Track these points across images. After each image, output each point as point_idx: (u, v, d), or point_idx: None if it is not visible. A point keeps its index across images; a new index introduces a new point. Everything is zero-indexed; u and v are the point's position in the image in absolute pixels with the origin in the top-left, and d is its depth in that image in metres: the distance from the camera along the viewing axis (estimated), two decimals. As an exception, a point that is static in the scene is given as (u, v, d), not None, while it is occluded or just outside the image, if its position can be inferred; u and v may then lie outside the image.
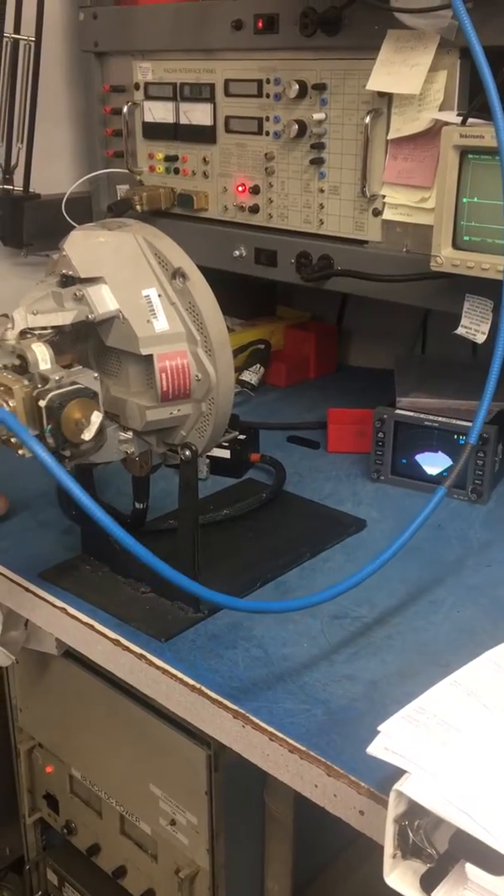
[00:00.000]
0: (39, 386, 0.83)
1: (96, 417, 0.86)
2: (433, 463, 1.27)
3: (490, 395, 0.94)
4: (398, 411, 1.28)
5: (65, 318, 0.87)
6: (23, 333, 0.85)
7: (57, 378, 0.83)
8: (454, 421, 1.24)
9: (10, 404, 0.82)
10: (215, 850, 1.19)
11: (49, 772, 1.47)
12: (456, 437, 1.24)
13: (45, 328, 0.86)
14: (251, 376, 1.62)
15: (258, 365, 1.64)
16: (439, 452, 1.26)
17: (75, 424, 0.84)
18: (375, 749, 0.69)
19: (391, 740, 0.69)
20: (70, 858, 1.49)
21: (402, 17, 1.07)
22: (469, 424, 1.20)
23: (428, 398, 1.30)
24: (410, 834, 0.66)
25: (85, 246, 0.91)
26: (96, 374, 0.87)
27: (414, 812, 0.67)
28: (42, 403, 0.82)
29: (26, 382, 0.83)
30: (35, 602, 1.05)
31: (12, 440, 0.81)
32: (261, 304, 1.85)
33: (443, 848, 0.66)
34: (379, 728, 0.71)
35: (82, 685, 1.30)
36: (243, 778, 1.16)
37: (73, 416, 0.84)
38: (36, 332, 0.86)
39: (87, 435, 0.85)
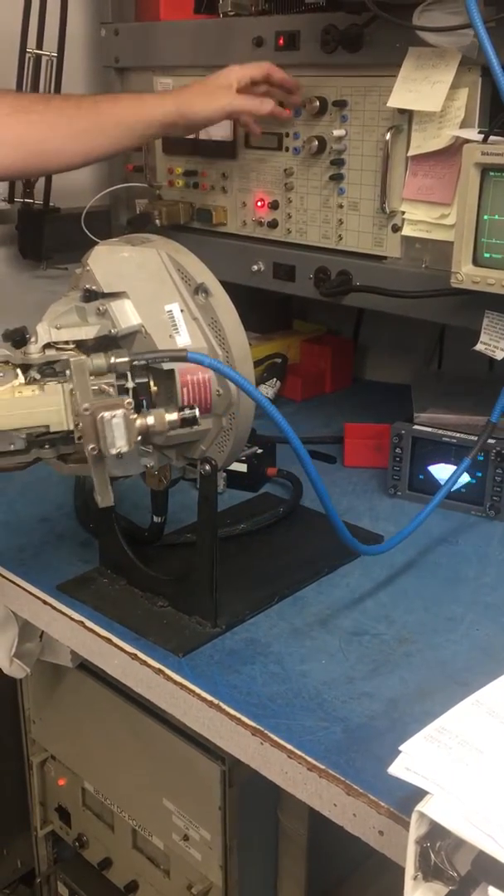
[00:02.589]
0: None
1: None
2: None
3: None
4: (416, 426, 1.28)
5: (88, 332, 0.87)
6: (46, 347, 0.86)
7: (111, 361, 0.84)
8: (472, 437, 1.24)
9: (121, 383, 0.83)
10: (228, 866, 1.19)
11: (61, 784, 1.47)
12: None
13: (67, 342, 0.87)
14: (267, 390, 1.62)
15: (275, 379, 1.64)
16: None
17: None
18: (397, 769, 0.68)
19: (413, 760, 0.69)
20: (81, 872, 1.49)
21: (424, 35, 1.08)
22: (488, 441, 1.21)
23: (446, 414, 1.30)
24: (432, 855, 0.66)
25: (108, 261, 0.92)
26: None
27: (435, 833, 0.66)
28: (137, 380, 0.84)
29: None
30: (52, 615, 1.05)
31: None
32: (277, 318, 1.85)
33: (464, 870, 0.65)
34: (400, 748, 0.70)
35: (96, 698, 1.30)
36: (257, 794, 1.16)
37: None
38: (59, 346, 0.86)
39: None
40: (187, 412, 0.83)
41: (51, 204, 1.58)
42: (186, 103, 1.23)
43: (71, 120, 1.17)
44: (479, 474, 1.23)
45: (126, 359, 0.83)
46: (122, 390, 0.85)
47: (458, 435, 1.25)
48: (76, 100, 1.22)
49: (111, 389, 0.83)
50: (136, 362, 0.83)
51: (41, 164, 1.21)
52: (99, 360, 0.83)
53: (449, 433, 1.25)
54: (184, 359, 0.84)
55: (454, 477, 1.11)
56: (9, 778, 1.56)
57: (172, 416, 0.83)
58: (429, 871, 0.66)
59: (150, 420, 0.82)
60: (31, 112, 1.15)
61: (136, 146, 1.32)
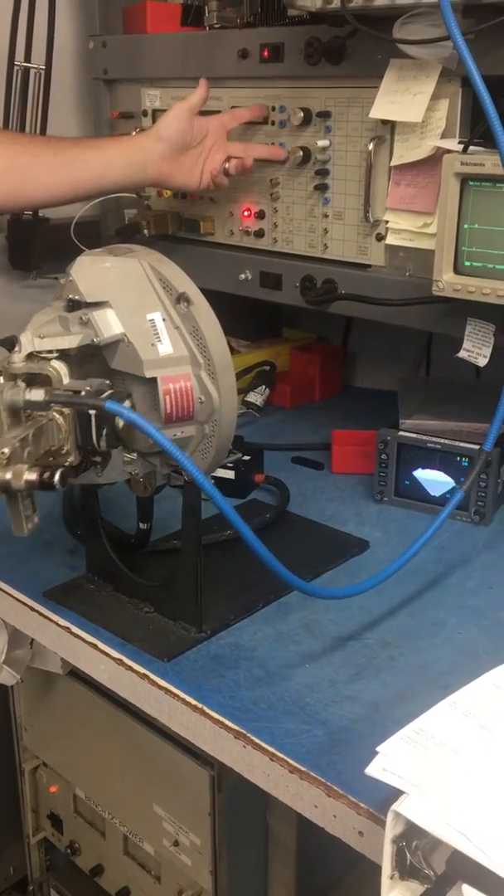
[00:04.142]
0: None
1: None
2: (436, 484, 1.28)
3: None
4: (401, 433, 1.29)
5: (71, 341, 0.89)
6: (30, 356, 0.87)
7: (88, 388, 0.85)
8: (457, 443, 1.25)
9: (64, 412, 0.85)
10: (218, 871, 1.19)
11: (53, 791, 1.48)
12: (459, 458, 1.25)
13: (51, 351, 0.88)
14: (256, 397, 1.63)
15: (263, 386, 1.65)
16: (442, 474, 1.27)
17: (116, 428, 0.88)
18: (374, 770, 0.69)
19: (389, 761, 0.70)
20: (73, 879, 1.49)
21: (405, 48, 1.09)
22: (472, 446, 1.22)
23: (431, 420, 1.31)
24: (408, 855, 0.67)
25: (91, 271, 0.93)
26: (107, 381, 0.89)
27: (412, 833, 0.67)
28: (92, 412, 0.84)
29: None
30: (40, 621, 1.06)
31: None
32: (266, 326, 1.87)
33: (440, 869, 0.66)
34: (377, 749, 0.71)
35: (87, 704, 1.30)
36: (246, 799, 1.16)
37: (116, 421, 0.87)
38: (42, 355, 0.87)
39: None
40: (47, 477, 0.81)
41: (40, 214, 1.59)
42: (167, 176, 1.30)
43: (56, 151, 1.21)
44: (464, 480, 1.24)
45: (42, 398, 0.83)
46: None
47: (443, 441, 1.26)
48: (61, 137, 1.28)
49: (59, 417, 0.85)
50: (51, 401, 0.83)
51: (24, 196, 1.23)
52: (16, 396, 0.83)
53: (434, 439, 1.26)
54: (102, 409, 0.83)
55: (437, 523, 1.03)
56: (0, 785, 1.57)
57: (31, 477, 0.81)
58: (405, 870, 0.67)
59: (9, 475, 0.81)
60: (16, 143, 1.19)
61: (121, 186, 1.31)
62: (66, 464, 0.86)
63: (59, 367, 0.87)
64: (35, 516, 0.86)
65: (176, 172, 1.30)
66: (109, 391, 0.86)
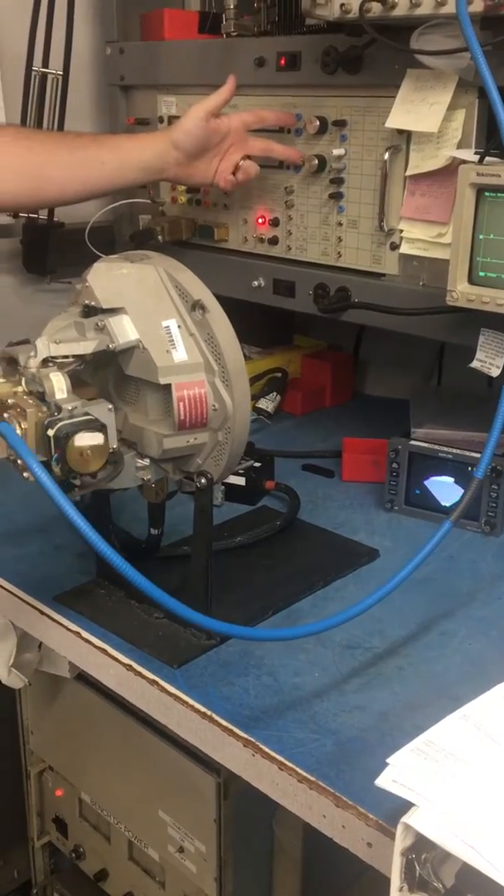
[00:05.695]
0: (54, 414, 0.85)
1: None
2: (447, 494, 1.28)
3: (498, 429, 0.94)
4: (413, 442, 1.29)
5: (86, 347, 0.89)
6: (45, 361, 0.87)
7: (70, 408, 0.84)
8: (468, 452, 1.25)
9: (23, 426, 0.84)
10: (223, 878, 1.19)
11: (59, 795, 1.48)
12: (470, 468, 1.24)
13: (66, 356, 0.88)
14: (267, 404, 1.64)
15: (275, 393, 1.66)
16: (453, 483, 1.27)
17: (80, 455, 0.84)
18: (384, 781, 0.69)
19: (399, 773, 0.69)
20: (77, 883, 1.49)
21: (422, 58, 1.09)
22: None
23: (443, 429, 1.31)
24: (417, 867, 0.66)
25: (108, 277, 0.93)
26: (110, 407, 0.88)
27: (421, 845, 0.67)
28: (50, 432, 0.83)
29: (43, 409, 0.85)
30: (49, 625, 1.06)
31: (18, 461, 0.82)
32: (278, 333, 1.87)
33: (450, 882, 0.66)
34: (387, 760, 0.71)
35: (94, 709, 1.30)
36: (253, 807, 1.16)
37: (78, 447, 0.84)
38: (58, 361, 0.88)
39: (93, 467, 0.85)
40: None
41: (55, 219, 1.60)
42: (182, 178, 1.32)
43: (71, 150, 1.20)
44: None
45: None
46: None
47: (454, 451, 1.26)
48: (77, 133, 1.26)
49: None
50: None
51: (39, 194, 1.23)
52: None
53: (445, 448, 1.26)
54: None
55: (423, 554, 0.95)
56: (6, 788, 1.57)
57: None
58: (414, 882, 0.67)
59: None
60: (32, 140, 1.18)
61: (134, 185, 1.34)
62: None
63: (57, 381, 0.86)
64: None
65: (191, 174, 1.32)
66: (76, 418, 0.85)
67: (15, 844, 1.65)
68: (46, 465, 0.81)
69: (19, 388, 0.85)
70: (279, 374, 1.70)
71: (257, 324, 1.71)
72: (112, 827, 1.37)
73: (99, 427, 0.85)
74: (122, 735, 1.27)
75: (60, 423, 0.83)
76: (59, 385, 0.86)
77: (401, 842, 0.66)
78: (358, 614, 0.91)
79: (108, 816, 1.37)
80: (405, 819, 0.66)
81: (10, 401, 0.85)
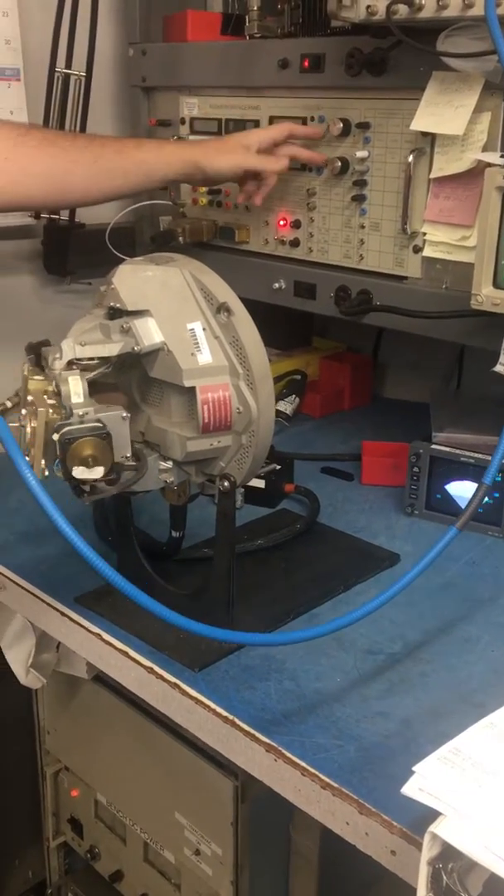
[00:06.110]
0: (67, 418, 0.84)
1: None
2: (468, 498, 1.27)
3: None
4: (434, 446, 1.28)
5: (111, 349, 0.89)
6: (70, 364, 0.87)
7: (81, 413, 0.84)
8: (489, 457, 1.24)
9: (32, 424, 0.84)
10: (239, 882, 1.19)
11: (74, 796, 1.48)
12: (492, 473, 1.24)
13: (91, 359, 0.88)
14: (287, 406, 1.63)
15: (294, 395, 1.65)
16: (475, 488, 1.26)
17: (81, 462, 0.84)
18: (410, 789, 0.69)
19: (426, 781, 0.69)
20: (92, 884, 1.49)
21: (448, 60, 1.09)
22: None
23: (464, 433, 1.30)
24: (444, 877, 0.66)
25: (133, 280, 0.93)
26: (125, 415, 0.87)
27: (448, 855, 0.66)
28: (55, 437, 0.83)
29: (58, 411, 0.84)
30: (70, 626, 1.06)
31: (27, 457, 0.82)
32: (297, 335, 1.86)
33: (476, 892, 0.65)
34: (414, 768, 0.70)
35: (111, 710, 1.30)
36: (270, 810, 1.16)
37: (80, 454, 0.84)
38: (83, 363, 0.87)
39: (94, 475, 0.85)
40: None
41: (76, 220, 1.60)
42: (205, 157, 1.28)
43: (95, 157, 1.21)
44: (497, 495, 1.23)
45: None
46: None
47: (476, 455, 1.25)
48: (101, 139, 1.27)
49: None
50: None
51: (62, 197, 1.25)
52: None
53: (467, 453, 1.25)
54: None
55: (415, 572, 0.95)
56: (22, 788, 1.57)
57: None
58: (440, 892, 0.66)
59: None
60: (56, 145, 1.19)
61: (153, 189, 1.36)
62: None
63: (74, 384, 0.86)
64: None
65: (215, 183, 1.36)
66: (84, 424, 0.84)
67: (30, 844, 1.65)
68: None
69: (50, 388, 0.85)
70: (298, 377, 1.70)
71: (276, 325, 1.71)
72: (128, 828, 1.37)
73: (103, 435, 0.85)
74: (139, 736, 1.27)
75: (66, 428, 0.83)
76: (75, 389, 0.86)
77: (427, 851, 0.65)
78: (358, 619, 0.90)
79: (124, 818, 1.37)
80: (432, 828, 0.65)
81: (29, 398, 0.85)
